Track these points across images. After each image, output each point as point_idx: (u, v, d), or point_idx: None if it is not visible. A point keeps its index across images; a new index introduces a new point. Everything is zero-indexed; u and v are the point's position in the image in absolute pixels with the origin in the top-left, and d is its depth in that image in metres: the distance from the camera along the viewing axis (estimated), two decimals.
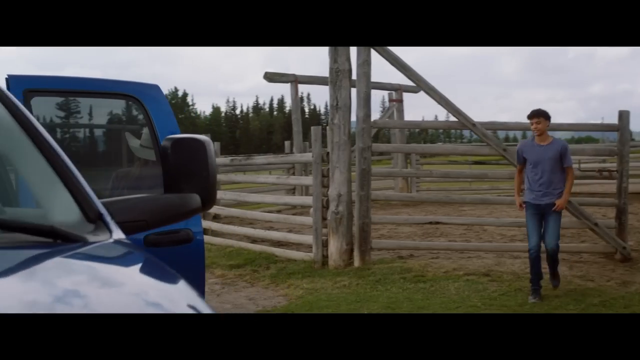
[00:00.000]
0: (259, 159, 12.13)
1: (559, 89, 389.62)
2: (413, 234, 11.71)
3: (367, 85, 9.23)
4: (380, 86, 10.35)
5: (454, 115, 9.20)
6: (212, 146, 2.67)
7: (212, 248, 11.84)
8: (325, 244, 9.66)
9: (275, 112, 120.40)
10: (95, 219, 2.14)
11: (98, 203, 2.23)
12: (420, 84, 9.16)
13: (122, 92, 4.69)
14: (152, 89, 4.62)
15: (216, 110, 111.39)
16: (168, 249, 3.68)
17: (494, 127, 10.07)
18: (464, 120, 9.09)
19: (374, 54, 9.23)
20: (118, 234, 2.15)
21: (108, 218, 2.20)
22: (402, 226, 11.86)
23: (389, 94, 19.71)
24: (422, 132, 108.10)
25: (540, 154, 7.36)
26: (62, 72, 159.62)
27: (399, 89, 19.55)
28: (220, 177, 13.32)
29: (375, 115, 28.07)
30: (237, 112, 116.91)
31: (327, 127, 9.60)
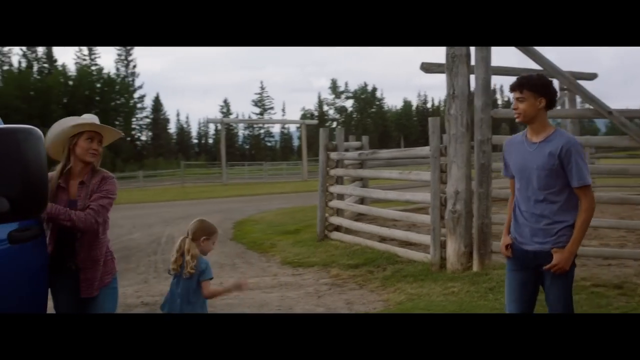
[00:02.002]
0: (384, 153, 11.50)
1: None
2: None
3: (487, 71, 8.30)
4: (503, 71, 9.32)
5: (587, 103, 8.03)
6: (33, 139, 2.17)
7: (339, 246, 11.43)
8: (443, 245, 8.87)
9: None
10: None
11: None
12: (547, 67, 8.07)
13: None
14: None
15: (407, 104, 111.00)
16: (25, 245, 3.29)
17: (634, 114, 8.68)
18: (598, 108, 7.89)
19: None
20: None
21: None
22: None
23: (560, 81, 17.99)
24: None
25: (526, 158, 4.23)
26: (260, 71, 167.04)
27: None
28: (349, 171, 12.87)
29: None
30: (429, 105, 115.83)
31: (444, 118, 8.79)
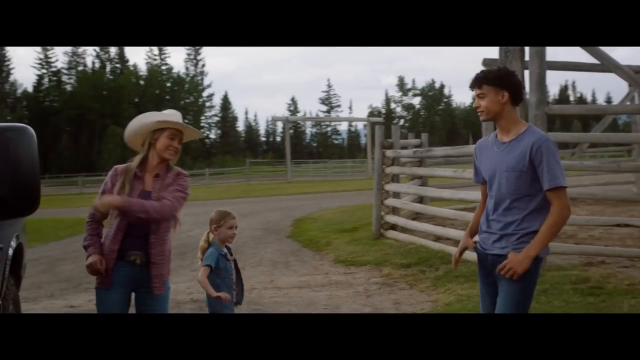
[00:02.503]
0: (438, 150, 11.30)
1: None
2: (609, 237, 10.10)
3: (541, 66, 8.05)
4: (558, 66, 8.96)
5: None
6: (26, 138, 2.15)
7: (394, 244, 11.31)
8: None
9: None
10: None
11: None
12: (605, 62, 7.78)
13: None
14: None
15: None
16: None
17: None
18: None
19: None
20: None
21: None
22: (598, 228, 10.28)
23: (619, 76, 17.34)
24: None
25: (495, 160, 3.87)
26: (328, 69, 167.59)
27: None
28: (404, 169, 12.71)
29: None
30: None
31: None
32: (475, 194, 9.87)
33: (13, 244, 4.75)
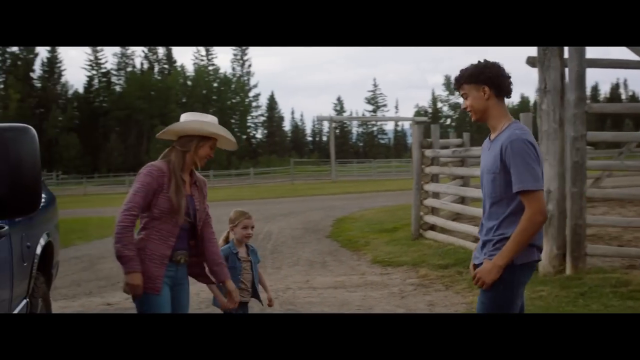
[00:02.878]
0: (476, 150, 11.12)
1: None
2: None
3: (580, 64, 7.86)
4: (600, 63, 8.68)
5: None
6: (27, 138, 2.15)
7: (433, 245, 11.21)
8: None
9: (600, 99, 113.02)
10: None
11: None
12: None
13: None
14: None
15: (524, 100, 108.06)
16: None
17: None
18: None
19: None
20: None
21: None
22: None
23: None
24: None
25: (482, 160, 3.74)
26: (374, 69, 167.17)
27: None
28: (443, 169, 12.56)
29: None
30: None
31: (536, 114, 8.40)
32: None
33: (42, 242, 4.82)
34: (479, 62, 3.60)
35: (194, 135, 4.22)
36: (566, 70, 8.08)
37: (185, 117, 4.40)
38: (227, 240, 4.97)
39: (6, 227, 3.64)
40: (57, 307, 8.30)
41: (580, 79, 7.90)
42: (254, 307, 5.63)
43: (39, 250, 4.65)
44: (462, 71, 3.61)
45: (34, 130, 2.19)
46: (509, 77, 3.57)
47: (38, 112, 78.40)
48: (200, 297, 7.71)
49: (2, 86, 78.62)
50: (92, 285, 9.49)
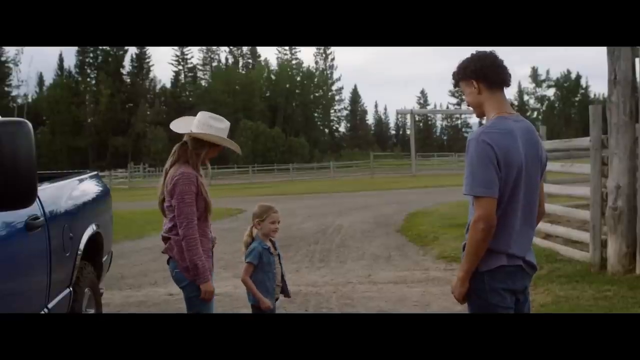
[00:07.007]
0: (545, 144, 10.75)
1: None
2: None
3: None
4: None
5: None
6: (22, 132, 2.18)
7: None
8: (604, 245, 8.15)
9: None
10: None
11: None
12: None
13: None
14: None
15: None
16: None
17: None
18: None
19: None
20: None
21: None
22: None
23: None
24: None
25: None
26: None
27: None
28: None
29: None
30: None
31: (605, 106, 8.05)
32: (584, 190, 9.38)
33: (89, 232, 4.96)
34: (468, 56, 3.34)
35: (209, 139, 4.37)
36: (636, 60, 7.72)
37: (202, 118, 4.42)
38: (251, 236, 4.82)
39: (41, 218, 3.75)
40: (121, 297, 8.55)
41: None
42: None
43: (84, 240, 4.78)
44: (456, 68, 3.38)
45: (29, 125, 2.24)
46: (500, 66, 3.30)
47: (127, 107, 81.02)
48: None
49: (94, 82, 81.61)
50: (158, 275, 9.68)
